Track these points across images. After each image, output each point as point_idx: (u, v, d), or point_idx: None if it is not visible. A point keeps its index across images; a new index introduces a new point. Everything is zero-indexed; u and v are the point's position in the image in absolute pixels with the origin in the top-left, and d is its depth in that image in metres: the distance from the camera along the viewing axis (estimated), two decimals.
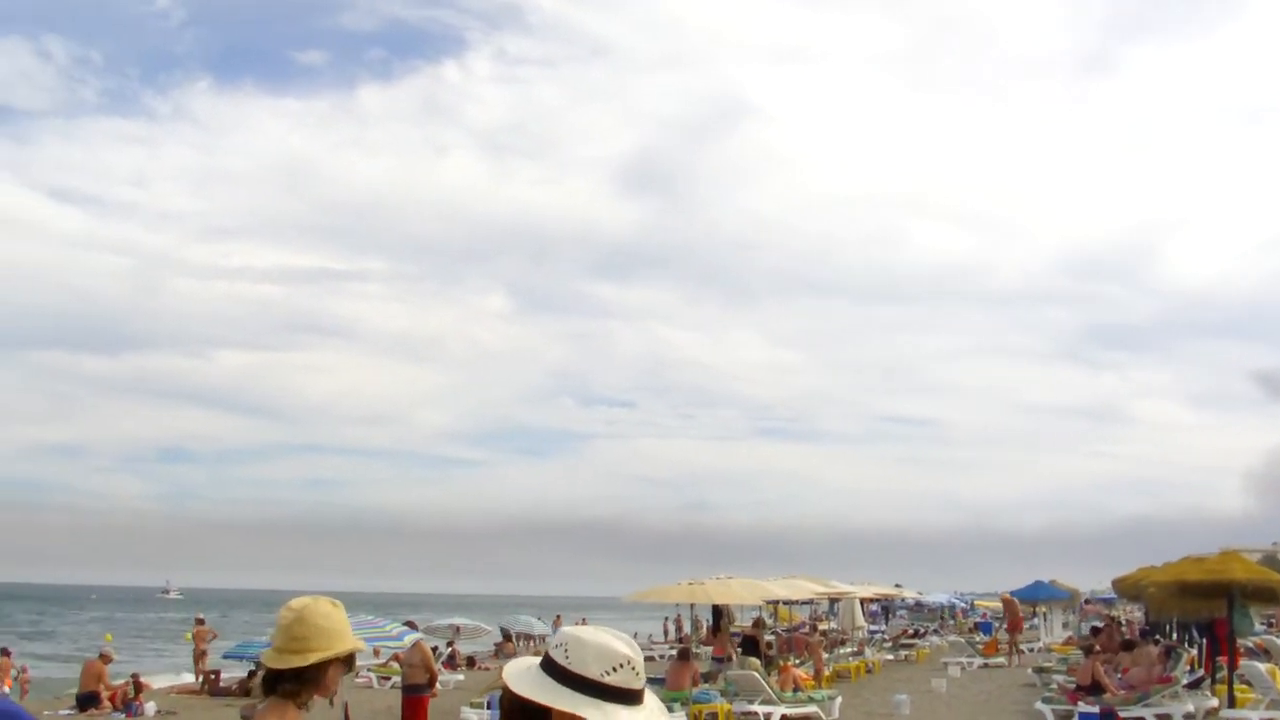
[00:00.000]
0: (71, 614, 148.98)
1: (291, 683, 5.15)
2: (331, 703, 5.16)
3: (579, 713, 3.75)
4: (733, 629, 42.67)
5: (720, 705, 29.23)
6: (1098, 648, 33.69)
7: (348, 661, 5.28)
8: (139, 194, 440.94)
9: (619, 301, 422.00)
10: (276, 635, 5.23)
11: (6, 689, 31.24)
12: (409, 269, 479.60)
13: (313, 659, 5.10)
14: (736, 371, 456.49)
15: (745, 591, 37.88)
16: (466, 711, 29.51)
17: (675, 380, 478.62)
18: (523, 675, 3.89)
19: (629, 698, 3.82)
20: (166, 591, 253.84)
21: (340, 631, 5.20)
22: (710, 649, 40.64)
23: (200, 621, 45.30)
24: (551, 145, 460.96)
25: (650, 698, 3.94)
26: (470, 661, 57.35)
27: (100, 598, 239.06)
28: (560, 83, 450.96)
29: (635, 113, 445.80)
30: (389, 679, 41.33)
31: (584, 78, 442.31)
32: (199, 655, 42.15)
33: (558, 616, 76.91)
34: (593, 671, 3.78)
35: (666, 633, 78.35)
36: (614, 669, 3.79)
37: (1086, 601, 73.38)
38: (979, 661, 49.83)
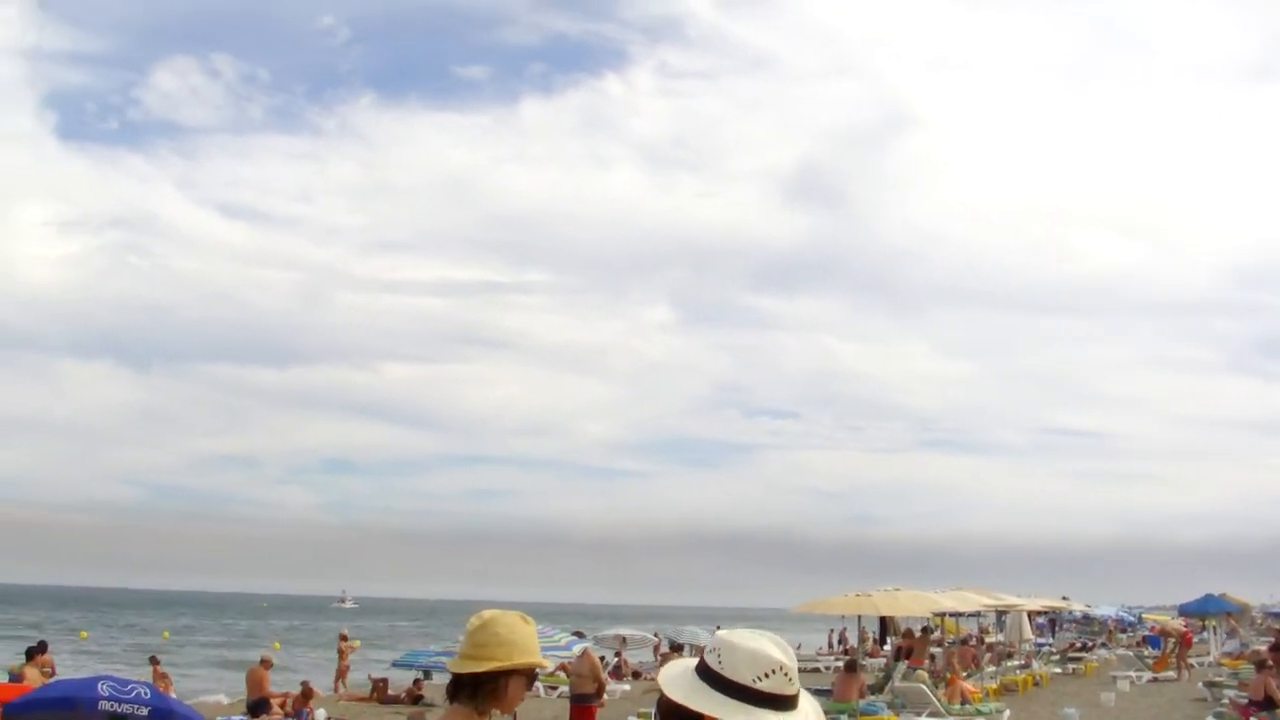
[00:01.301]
0: (243, 621, 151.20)
1: (470, 689, 5.26)
2: (496, 713, 5.27)
3: (727, 718, 3.78)
4: (897, 640, 42.44)
5: (887, 717, 29.15)
6: (1270, 663, 33.13)
7: (529, 677, 5.36)
8: (305, 209, 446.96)
9: (783, 313, 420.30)
10: (463, 641, 5.39)
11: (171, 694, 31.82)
12: (573, 281, 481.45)
13: (490, 667, 5.20)
14: (902, 383, 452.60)
15: (912, 603, 37.66)
16: None
17: (840, 392, 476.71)
18: (677, 679, 3.94)
19: (781, 704, 3.83)
20: (342, 600, 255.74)
21: (523, 645, 5.28)
22: (877, 660, 40.50)
23: (344, 637, 45.81)
24: (713, 157, 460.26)
25: (806, 702, 3.95)
26: (636, 673, 57.49)
27: (272, 606, 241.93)
28: (721, 95, 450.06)
29: (796, 124, 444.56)
30: (555, 688, 41.58)
31: (744, 89, 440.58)
32: (342, 670, 42.56)
33: (716, 627, 76.83)
34: (745, 677, 3.81)
35: (831, 644, 77.94)
36: (766, 675, 3.81)
37: (1259, 616, 72.00)
38: (1148, 675, 49.10)
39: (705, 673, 3.89)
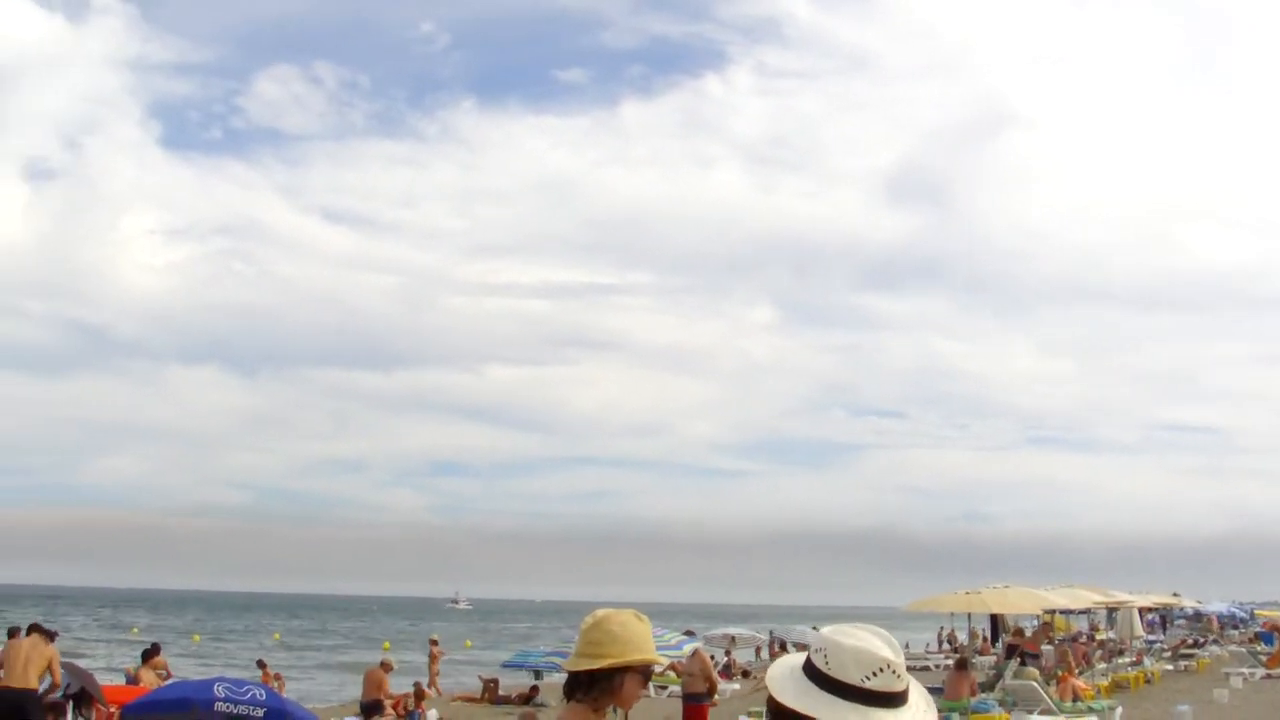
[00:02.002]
0: (353, 623, 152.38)
1: (586, 688, 5.28)
2: (615, 710, 5.27)
3: (836, 719, 3.73)
4: (1007, 637, 42.14)
5: (999, 715, 28.95)
6: None
7: (645, 674, 5.37)
8: (408, 214, 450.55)
9: (888, 312, 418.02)
10: (577, 640, 5.40)
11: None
12: (675, 282, 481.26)
13: (605, 664, 5.21)
14: (1008, 381, 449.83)
15: (1023, 600, 37.49)
16: None
17: (946, 390, 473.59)
18: (784, 680, 3.89)
19: (891, 701, 3.77)
20: (455, 602, 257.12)
21: (637, 642, 5.29)
22: (987, 658, 40.25)
23: (434, 642, 46.10)
24: (814, 157, 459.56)
25: (916, 693, 3.89)
26: (745, 672, 57.47)
27: (381, 608, 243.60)
28: (821, 94, 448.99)
29: (897, 123, 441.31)
30: (665, 688, 41.65)
31: (844, 89, 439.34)
32: (432, 675, 42.83)
33: (814, 626, 76.63)
34: (853, 676, 3.75)
35: (940, 642, 77.51)
36: (874, 673, 3.75)
37: None
38: (1261, 672, 48.48)
39: (813, 673, 3.84)
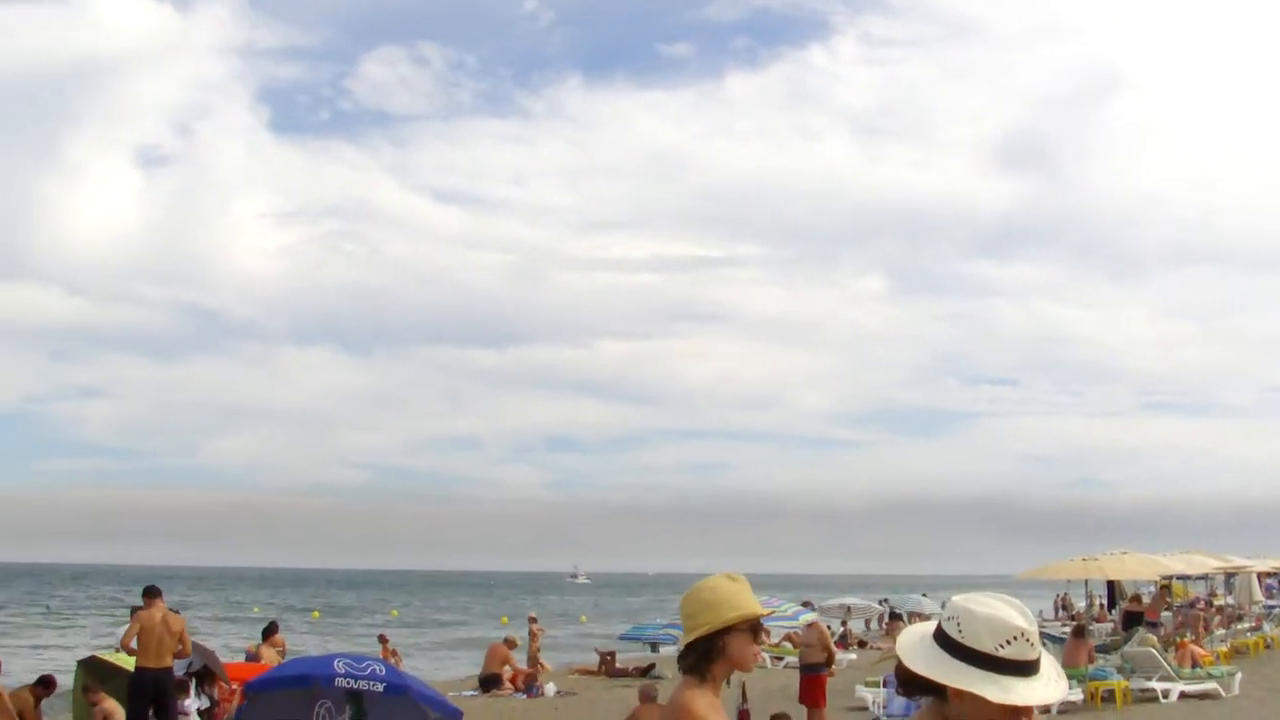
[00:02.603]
0: (469, 598, 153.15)
1: (692, 658, 5.33)
2: (729, 681, 5.26)
3: (974, 689, 3.73)
4: (1124, 604, 41.78)
5: (1117, 682, 28.75)
6: None
7: (752, 630, 5.37)
8: (517, 191, 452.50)
9: (999, 279, 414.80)
10: (680, 618, 5.46)
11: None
12: (785, 253, 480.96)
13: (701, 632, 5.26)
14: (1123, 346, 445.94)
15: (1140, 567, 37.14)
16: (861, 690, 29.61)
17: (1060, 357, 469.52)
18: (916, 649, 3.90)
19: (1026, 669, 3.78)
20: (575, 576, 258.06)
21: (729, 602, 5.30)
22: (1105, 626, 39.91)
23: (534, 620, 46.30)
24: (922, 125, 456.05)
25: (1047, 662, 3.89)
26: (862, 642, 57.35)
27: (498, 583, 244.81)
28: (927, 62, 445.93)
29: (1005, 89, 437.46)
30: (781, 659, 41.60)
31: (950, 56, 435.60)
32: (533, 653, 43.02)
33: (923, 594, 76.37)
34: (986, 645, 3.76)
35: (1057, 610, 76.90)
36: (1008, 642, 3.76)
37: None
38: None
39: (945, 641, 3.85)
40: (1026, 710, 3.84)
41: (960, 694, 3.79)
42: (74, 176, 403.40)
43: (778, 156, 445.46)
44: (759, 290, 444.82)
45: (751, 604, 5.40)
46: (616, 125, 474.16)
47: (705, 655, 5.29)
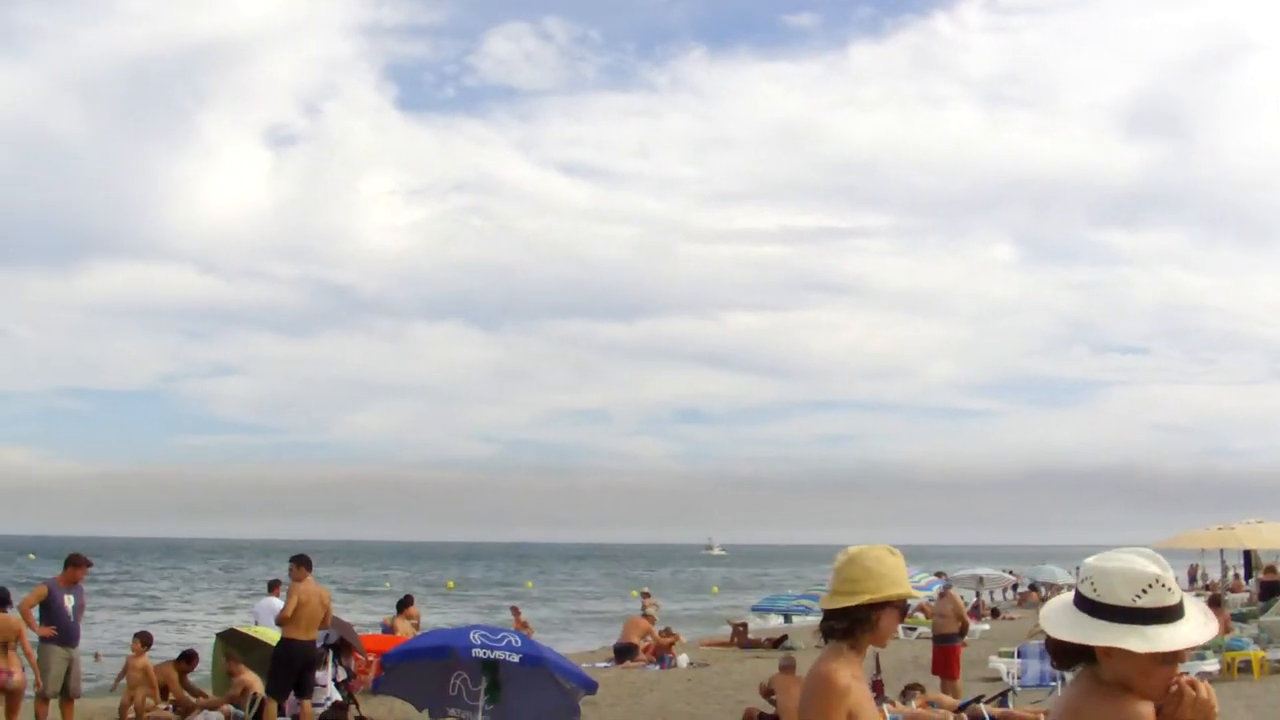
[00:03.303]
0: (598, 570, 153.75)
1: (842, 623, 5.30)
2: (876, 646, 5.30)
3: (1119, 644, 3.74)
4: (1263, 576, 41.22)
5: (1254, 653, 28.38)
6: None
7: (900, 609, 5.39)
8: (643, 164, 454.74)
9: (1128, 247, 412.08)
10: (831, 578, 5.44)
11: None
12: (911, 223, 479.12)
13: (860, 600, 5.23)
14: (1256, 313, 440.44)
15: (1277, 536, 36.65)
16: (995, 661, 29.44)
17: (1191, 325, 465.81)
18: (1058, 616, 3.92)
19: (1168, 615, 3.77)
20: (709, 548, 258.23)
21: (891, 577, 5.30)
22: (1240, 596, 39.42)
23: (647, 595, 46.36)
24: (1048, 92, 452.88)
25: (1192, 605, 3.89)
26: (994, 612, 57.00)
27: (634, 556, 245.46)
28: (1052, 28, 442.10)
29: (1132, 54, 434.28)
30: (914, 629, 41.44)
31: (1076, 22, 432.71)
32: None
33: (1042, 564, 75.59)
34: (1123, 598, 3.77)
35: (1190, 579, 75.92)
36: (1144, 590, 3.76)
37: None
38: None
39: (1082, 603, 3.85)
40: (1177, 655, 3.83)
41: (1108, 653, 3.79)
42: (206, 157, 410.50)
43: (903, 126, 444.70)
44: (886, 260, 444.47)
45: (908, 584, 5.42)
46: (741, 97, 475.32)
47: (858, 624, 5.28)
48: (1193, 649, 3.80)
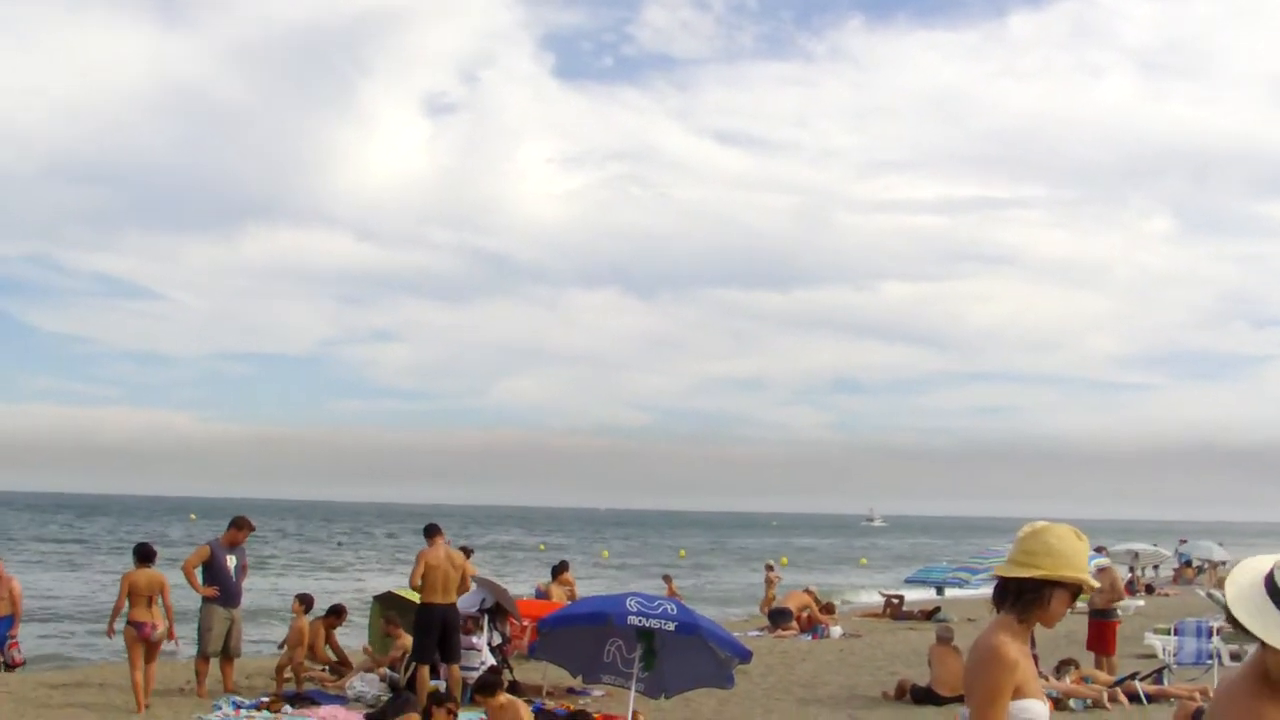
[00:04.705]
0: (752, 539, 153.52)
1: (1015, 598, 5.31)
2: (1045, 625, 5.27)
3: None
4: None
5: None
6: None
7: (1074, 593, 5.36)
8: (800, 133, 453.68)
9: None
10: (1013, 548, 5.43)
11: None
12: (1069, 194, 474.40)
13: (1034, 574, 5.23)
14: None
15: None
16: (1150, 638, 29.17)
17: None
18: (1244, 594, 3.76)
19: None
20: (871, 519, 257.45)
21: (1071, 559, 5.28)
22: None
23: (769, 568, 46.29)
24: (1209, 62, 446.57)
25: None
26: (1149, 588, 56.37)
27: (793, 525, 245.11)
28: None
29: None
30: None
31: None
32: (768, 600, 42.89)
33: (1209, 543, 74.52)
34: None
35: None
36: None
37: None
38: None
39: (1273, 590, 3.67)
40: None
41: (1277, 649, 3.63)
42: (365, 124, 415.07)
43: (1061, 95, 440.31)
44: (1044, 231, 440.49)
45: (1087, 570, 5.38)
46: (898, 66, 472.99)
47: (1029, 599, 5.28)
48: None
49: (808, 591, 39.48)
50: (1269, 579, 3.72)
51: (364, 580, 60.42)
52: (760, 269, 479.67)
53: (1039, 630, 5.41)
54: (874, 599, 49.17)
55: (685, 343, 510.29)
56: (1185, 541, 74.47)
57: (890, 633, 36.87)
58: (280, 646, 23.13)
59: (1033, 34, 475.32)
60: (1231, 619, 3.82)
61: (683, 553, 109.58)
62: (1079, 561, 5.32)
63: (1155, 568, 68.25)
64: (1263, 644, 3.73)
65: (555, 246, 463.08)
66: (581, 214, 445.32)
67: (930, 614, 40.30)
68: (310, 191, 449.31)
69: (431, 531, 20.35)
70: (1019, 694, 5.17)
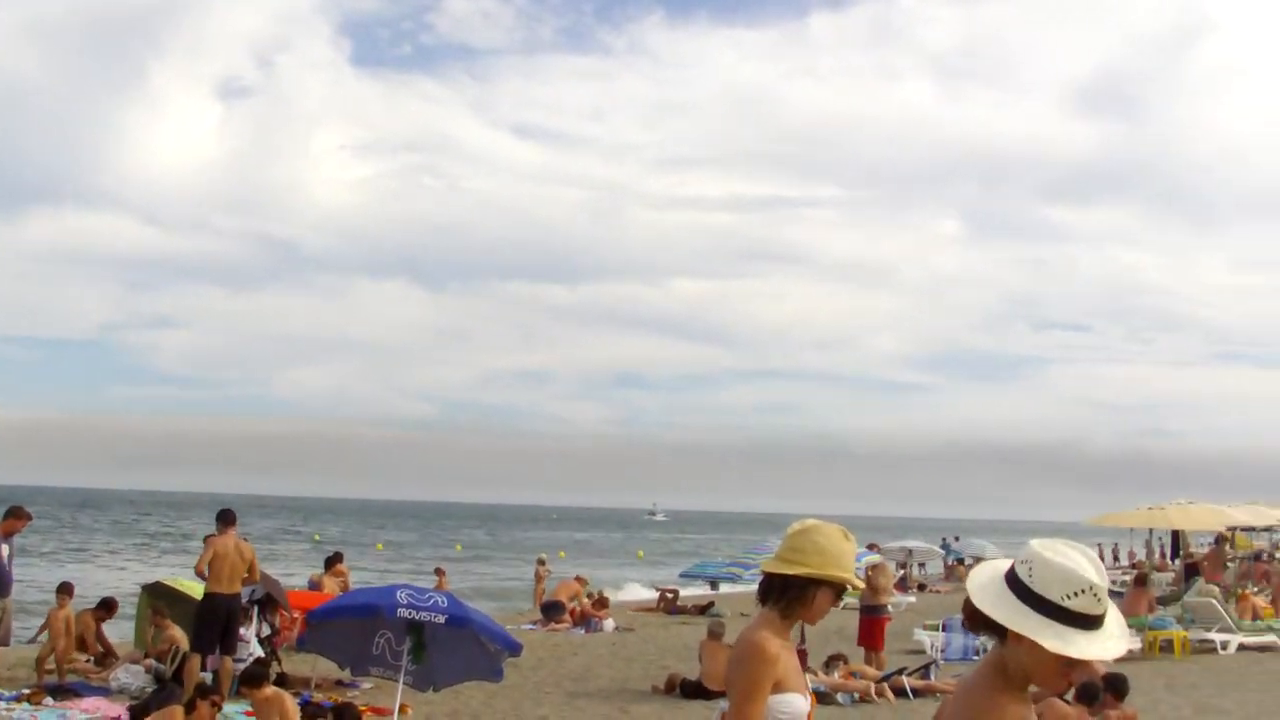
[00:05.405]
0: (535, 533, 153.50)
1: (780, 594, 5.35)
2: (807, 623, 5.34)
3: (1034, 636, 3.77)
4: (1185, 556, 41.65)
5: (1177, 632, 28.69)
6: None
7: (838, 592, 5.43)
8: (596, 128, 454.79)
9: (1076, 225, 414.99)
10: (781, 544, 5.48)
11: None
12: (861, 195, 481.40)
13: (801, 571, 5.28)
14: (1198, 295, 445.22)
15: (1206, 516, 37.17)
16: (920, 633, 29.65)
17: (1134, 305, 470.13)
18: (987, 588, 3.92)
19: (1089, 623, 3.80)
20: (653, 514, 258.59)
21: (838, 558, 5.33)
22: (1165, 576, 39.81)
23: (541, 562, 46.53)
24: (1004, 67, 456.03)
25: (1112, 619, 3.91)
26: (922, 585, 57.33)
27: (575, 520, 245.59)
28: (1011, 4, 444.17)
29: (1090, 32, 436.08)
30: (842, 601, 41.60)
31: None
32: (538, 594, 43.13)
33: (955, 538, 76.13)
34: (1053, 594, 3.79)
35: (1116, 558, 76.42)
36: (1075, 594, 3.79)
37: None
38: None
39: (1014, 583, 3.87)
40: (1082, 664, 3.88)
41: (1019, 638, 3.82)
42: (156, 107, 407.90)
43: (858, 97, 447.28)
44: (835, 232, 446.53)
45: (853, 569, 5.45)
46: (697, 62, 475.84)
47: (793, 596, 5.33)
48: (1099, 661, 3.83)
49: (578, 579, 39.51)
50: (1009, 573, 3.93)
51: (132, 570, 59.23)
52: (550, 263, 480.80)
53: (809, 625, 5.39)
54: (649, 593, 49.34)
55: (472, 335, 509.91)
56: (958, 539, 75.75)
57: (663, 627, 37.02)
58: (35, 638, 22.58)
59: (833, 35, 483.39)
60: (971, 616, 3.96)
61: (459, 546, 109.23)
62: (846, 561, 5.37)
63: (922, 565, 69.28)
64: (1000, 640, 3.91)
65: (344, 235, 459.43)
66: (373, 203, 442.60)
67: (704, 609, 40.52)
68: (97, 174, 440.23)
69: (225, 519, 19.89)
70: (779, 688, 5.20)
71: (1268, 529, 54.65)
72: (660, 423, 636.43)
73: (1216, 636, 29.24)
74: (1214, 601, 30.29)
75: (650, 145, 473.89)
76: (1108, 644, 3.85)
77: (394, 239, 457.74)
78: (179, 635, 20.96)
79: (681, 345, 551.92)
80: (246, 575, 19.91)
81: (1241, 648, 29.09)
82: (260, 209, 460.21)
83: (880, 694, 22.17)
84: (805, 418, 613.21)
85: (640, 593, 53.17)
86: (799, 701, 5.26)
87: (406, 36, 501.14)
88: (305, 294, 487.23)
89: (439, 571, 43.08)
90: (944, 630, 28.09)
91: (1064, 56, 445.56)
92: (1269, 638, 29.69)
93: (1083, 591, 3.79)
